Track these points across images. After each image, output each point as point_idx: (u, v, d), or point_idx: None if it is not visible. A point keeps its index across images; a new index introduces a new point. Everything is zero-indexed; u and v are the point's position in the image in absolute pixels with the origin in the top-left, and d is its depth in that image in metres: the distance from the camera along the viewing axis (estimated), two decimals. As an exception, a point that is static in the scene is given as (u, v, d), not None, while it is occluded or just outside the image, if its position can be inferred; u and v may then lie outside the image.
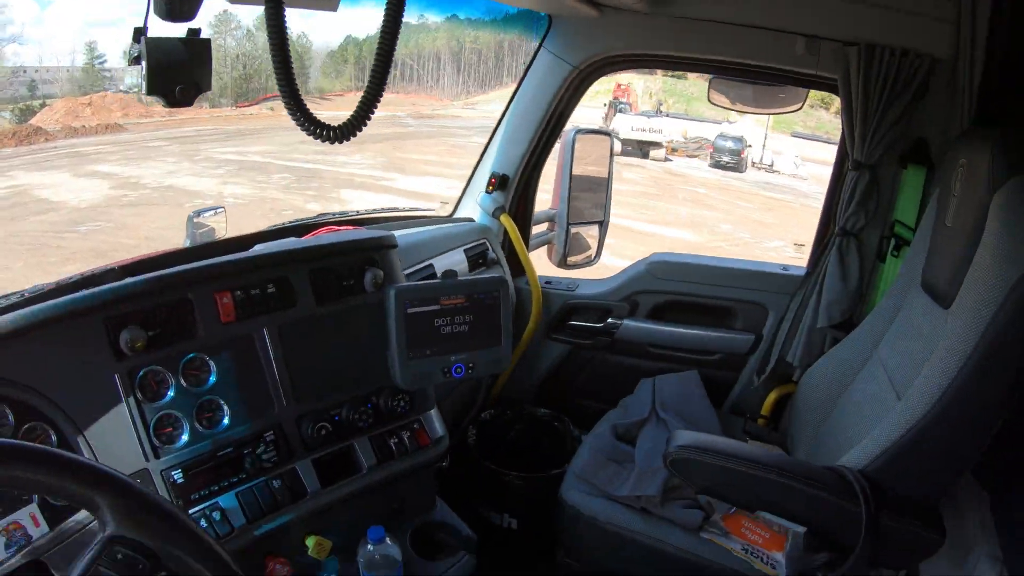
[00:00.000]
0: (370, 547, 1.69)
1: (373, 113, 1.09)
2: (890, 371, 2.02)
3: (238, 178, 19.48)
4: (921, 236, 2.16)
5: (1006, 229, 1.56)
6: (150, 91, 1.14)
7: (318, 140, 1.09)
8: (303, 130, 1.06)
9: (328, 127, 1.08)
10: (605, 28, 2.48)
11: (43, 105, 43.46)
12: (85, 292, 1.51)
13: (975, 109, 2.16)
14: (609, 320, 2.84)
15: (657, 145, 25.21)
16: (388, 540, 1.70)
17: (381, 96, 1.09)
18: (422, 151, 22.81)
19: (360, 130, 1.09)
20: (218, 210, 2.32)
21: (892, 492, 1.65)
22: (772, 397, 2.67)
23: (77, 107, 40.39)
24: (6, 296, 1.71)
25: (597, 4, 2.36)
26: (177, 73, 1.15)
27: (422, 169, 20.41)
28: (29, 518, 1.37)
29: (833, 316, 2.51)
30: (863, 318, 2.33)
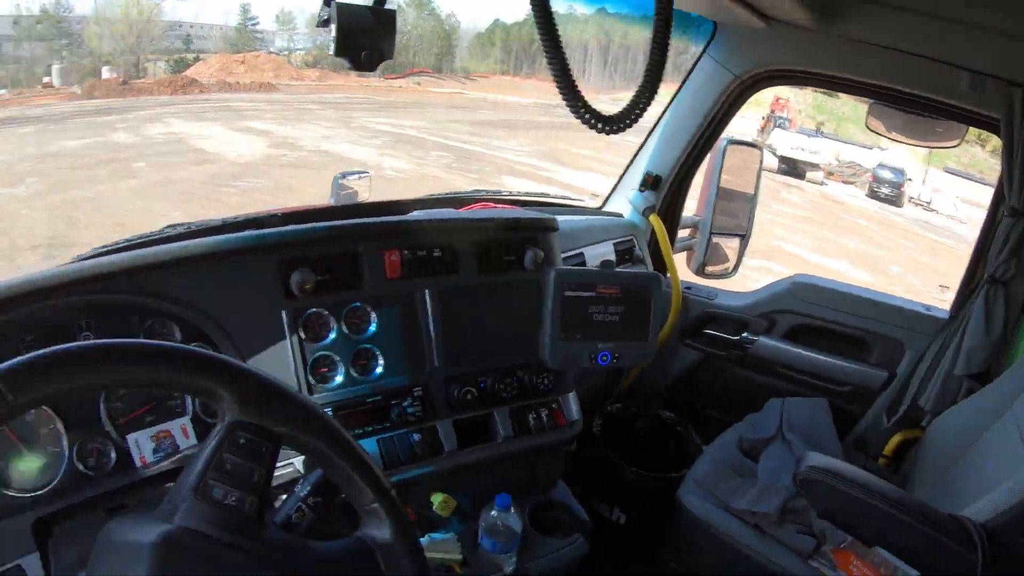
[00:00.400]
0: (494, 513, 1.75)
1: (647, 108, 1.09)
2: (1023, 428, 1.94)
3: (395, 151, 18.99)
4: None
5: None
6: (339, 52, 1.20)
7: (591, 128, 1.08)
8: (576, 116, 1.05)
9: (603, 118, 1.07)
10: (771, 40, 2.45)
11: (197, 59, 45.52)
12: (264, 231, 1.62)
13: None
14: (744, 334, 2.81)
15: (815, 167, 24.14)
16: (512, 510, 1.76)
17: (656, 91, 1.09)
18: (577, 144, 22.24)
19: (632, 125, 1.10)
20: (363, 174, 2.39)
21: (1014, 550, 1.60)
22: (897, 439, 2.59)
23: (231, 63, 42.00)
24: (172, 226, 1.85)
25: (765, 15, 2.32)
26: (364, 39, 1.20)
27: (581, 163, 19.94)
28: (179, 429, 1.50)
29: (973, 364, 2.41)
30: (1002, 370, 2.26)
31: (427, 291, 1.78)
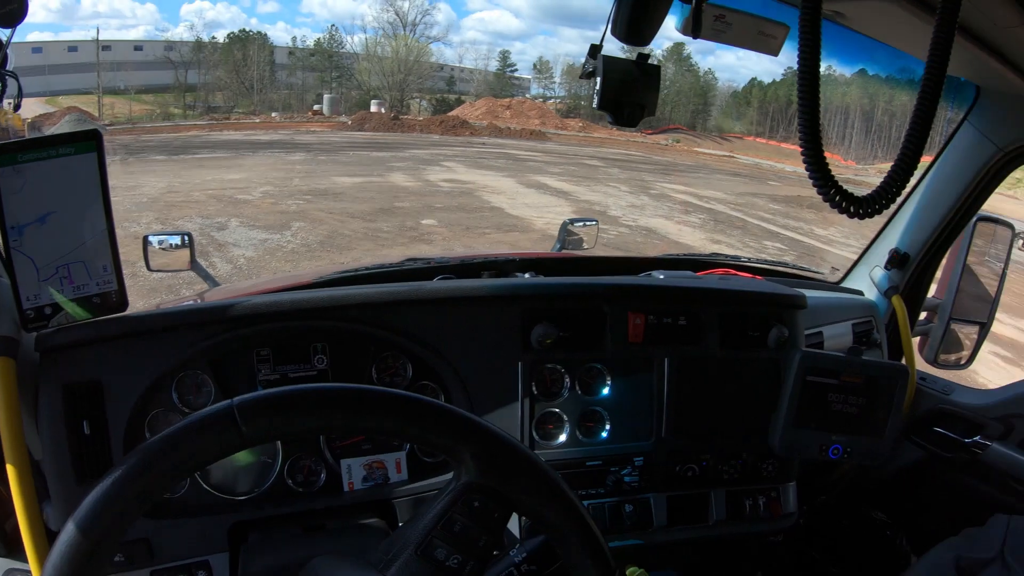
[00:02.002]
0: None
1: (903, 188, 1.01)
2: None
3: (722, 235, 16.48)
4: None
5: None
6: (601, 106, 1.21)
7: (839, 211, 1.00)
8: (822, 196, 0.99)
9: (854, 199, 1.00)
10: None
11: (459, 100, 48.77)
12: (512, 281, 1.70)
13: None
14: (978, 437, 2.49)
15: None
16: None
17: (915, 168, 1.00)
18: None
19: (886, 207, 1.01)
20: (591, 222, 2.42)
21: None
22: None
23: (497, 107, 44.38)
24: (412, 259, 1.94)
25: None
26: (627, 93, 1.22)
27: None
28: (393, 462, 1.55)
29: None
30: None
31: (667, 359, 1.75)
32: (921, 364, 2.60)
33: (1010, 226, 2.54)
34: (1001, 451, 2.42)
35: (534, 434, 1.65)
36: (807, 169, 0.97)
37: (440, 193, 17.62)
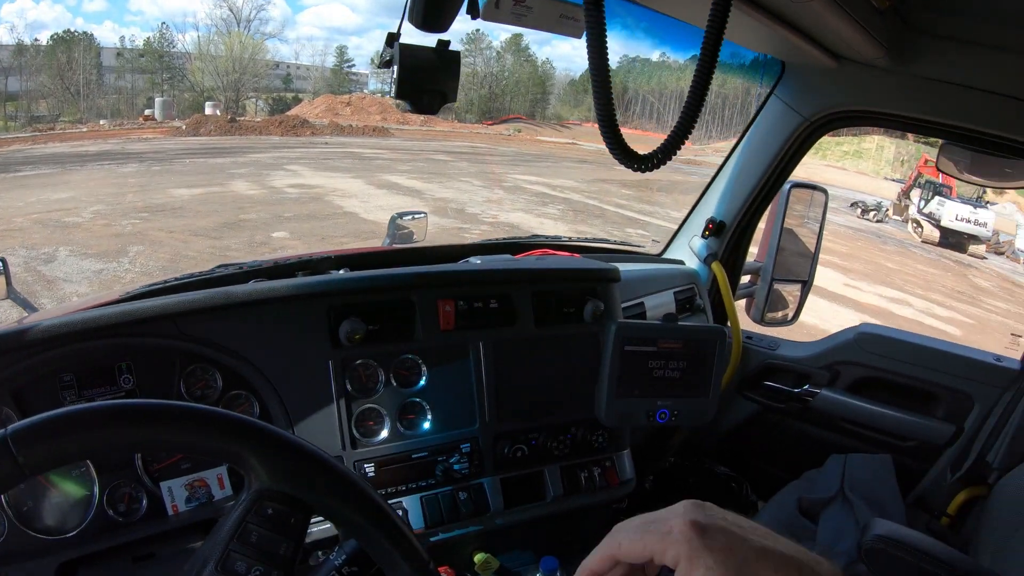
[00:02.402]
0: None
1: (679, 148, 1.06)
2: None
3: (587, 227, 16.36)
4: None
5: None
6: (399, 95, 1.20)
7: (627, 167, 1.06)
8: (615, 156, 1.04)
9: (635, 156, 1.05)
10: (841, 80, 2.36)
11: (295, 99, 47.34)
12: (315, 279, 1.61)
13: None
14: (806, 387, 2.71)
15: (977, 240, 22.51)
16: (559, 574, 1.64)
17: (690, 133, 1.07)
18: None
19: (664, 162, 1.06)
20: (419, 215, 2.41)
21: None
22: (961, 497, 2.45)
23: (336, 104, 43.29)
24: (224, 266, 1.84)
25: (835, 55, 2.25)
26: (426, 80, 1.21)
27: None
28: (215, 479, 1.49)
29: None
30: None
31: (481, 343, 1.74)
32: (749, 324, 2.78)
33: (824, 191, 2.74)
34: (830, 396, 2.64)
35: (354, 432, 1.60)
36: (602, 131, 1.03)
37: (288, 200, 16.65)
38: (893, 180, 27.75)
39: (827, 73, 2.35)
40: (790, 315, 2.80)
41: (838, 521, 2.19)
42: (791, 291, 2.78)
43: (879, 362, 2.62)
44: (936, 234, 22.21)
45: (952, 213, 22.16)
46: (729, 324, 2.67)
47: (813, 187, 2.71)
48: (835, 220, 23.47)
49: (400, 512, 1.59)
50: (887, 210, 25.55)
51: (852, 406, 2.65)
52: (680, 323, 1.80)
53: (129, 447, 0.90)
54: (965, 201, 22.62)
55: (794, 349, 2.78)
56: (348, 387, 1.60)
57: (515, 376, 1.78)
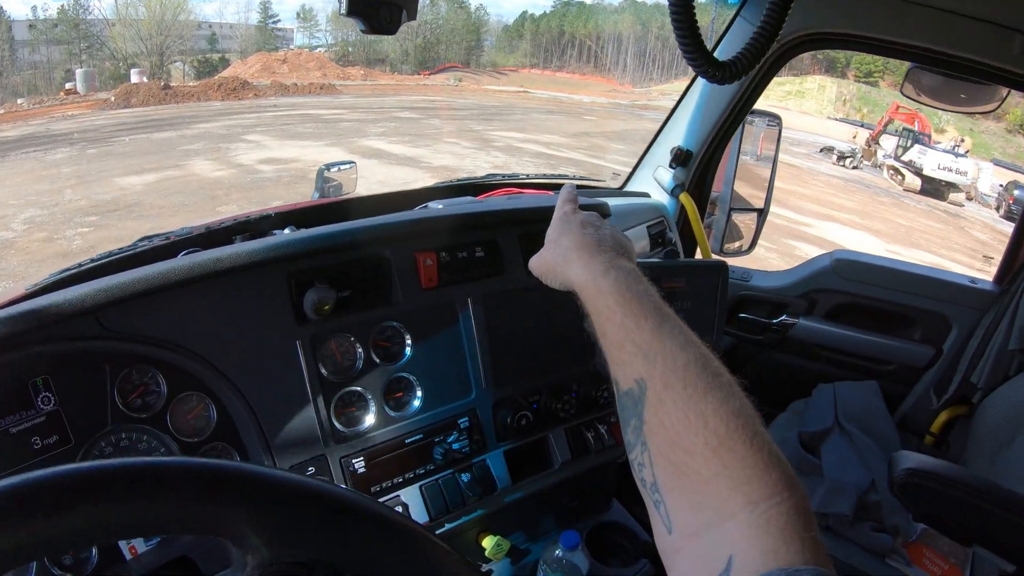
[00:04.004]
0: (559, 553, 1.53)
1: (758, 62, 1.02)
2: None
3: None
4: None
5: None
6: (350, 11, 0.97)
7: (706, 77, 1.00)
8: (696, 66, 0.98)
9: (717, 64, 0.99)
10: (812, 2, 2.28)
11: (223, 60, 45.93)
12: (265, 241, 1.33)
13: None
14: (783, 317, 2.68)
15: (955, 188, 23.24)
16: (580, 548, 1.53)
17: (768, 47, 1.04)
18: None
19: (745, 73, 1.01)
20: (346, 165, 2.21)
21: None
22: (944, 417, 2.50)
23: (272, 63, 42.08)
24: (148, 238, 1.56)
25: None
26: None
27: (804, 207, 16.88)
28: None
29: None
30: None
31: (469, 300, 1.55)
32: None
33: (778, 117, 2.64)
34: (808, 325, 2.63)
35: (336, 424, 1.37)
36: (683, 44, 0.95)
37: (267, 181, 14.18)
38: (837, 120, 28.06)
39: None
40: (746, 245, 2.72)
41: (840, 453, 2.19)
42: (747, 220, 2.70)
43: (855, 288, 2.60)
44: (918, 182, 23.00)
45: (935, 162, 23.02)
46: (700, 256, 2.59)
47: (768, 114, 2.61)
48: (816, 168, 24.11)
49: (400, 508, 1.39)
50: (861, 156, 26.05)
51: (831, 333, 2.63)
52: (685, 260, 1.67)
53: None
54: (949, 152, 23.41)
55: (768, 279, 2.74)
56: (322, 370, 1.36)
57: (510, 333, 1.60)
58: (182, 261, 1.23)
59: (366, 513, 0.59)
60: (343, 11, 0.97)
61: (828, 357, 2.65)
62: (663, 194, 2.56)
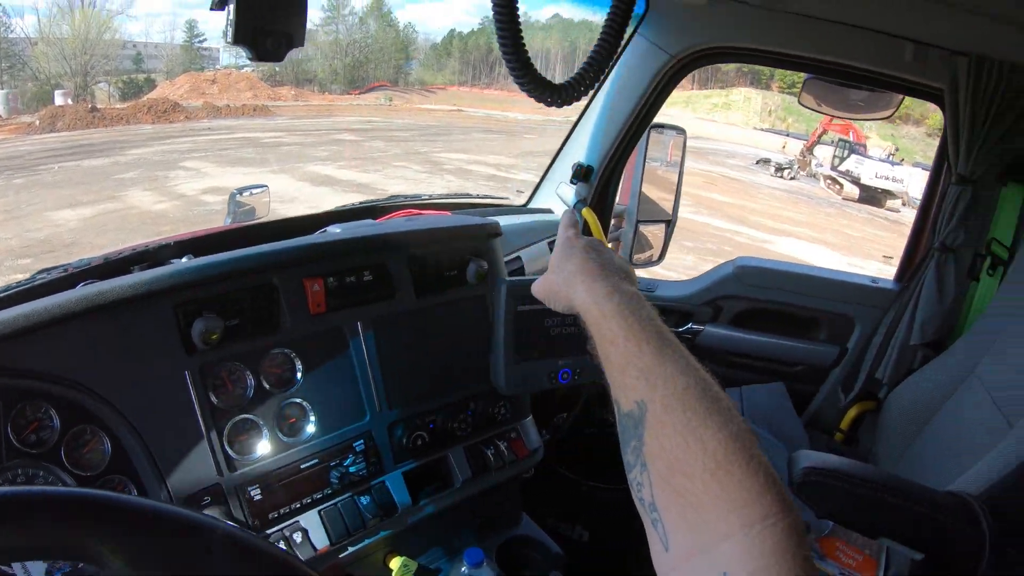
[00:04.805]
0: (465, 570, 1.53)
1: (598, 78, 1.03)
2: (996, 397, 1.98)
3: None
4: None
5: None
6: (236, 39, 0.98)
7: (539, 101, 0.99)
8: (528, 93, 0.97)
9: (554, 87, 0.99)
10: (707, 17, 2.35)
11: (148, 80, 44.78)
12: (154, 272, 1.34)
13: None
14: (690, 324, 2.75)
15: (892, 195, 23.87)
16: (485, 564, 1.54)
17: (602, 72, 1.03)
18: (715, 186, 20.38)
19: (582, 94, 1.02)
20: (258, 189, 2.24)
21: (1011, 520, 1.58)
22: (852, 413, 2.60)
23: (202, 83, 41.12)
24: (47, 271, 1.56)
25: None
26: (267, 21, 1.01)
27: (753, 221, 16.81)
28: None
29: (927, 334, 2.45)
30: (955, 337, 2.32)
31: (359, 324, 1.56)
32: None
33: (683, 130, 2.71)
34: (715, 332, 2.70)
35: (229, 452, 1.36)
36: (512, 70, 0.94)
37: (215, 214, 13.07)
38: (763, 130, 28.75)
39: (693, 10, 2.34)
40: (656, 255, 2.77)
41: None
42: (656, 231, 2.75)
43: (759, 293, 2.69)
44: (856, 191, 23.64)
45: (872, 171, 23.73)
46: None
47: (672, 127, 2.68)
48: (757, 180, 24.46)
49: (299, 533, 1.41)
50: (798, 167, 26.69)
51: (737, 339, 2.71)
52: None
53: None
54: (886, 161, 24.29)
55: (672, 288, 2.81)
56: (213, 399, 1.36)
57: (402, 355, 1.62)
58: (68, 296, 1.24)
59: (213, 534, 0.60)
60: (229, 39, 0.98)
61: (736, 362, 2.72)
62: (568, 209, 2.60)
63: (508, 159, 22.05)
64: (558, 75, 2.55)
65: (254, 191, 2.23)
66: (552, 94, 0.98)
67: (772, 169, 26.31)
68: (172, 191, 15.84)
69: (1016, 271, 2.19)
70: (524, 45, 0.94)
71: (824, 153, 25.79)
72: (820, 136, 26.85)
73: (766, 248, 14.28)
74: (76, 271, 1.52)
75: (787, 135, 27.14)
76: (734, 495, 0.64)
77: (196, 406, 1.33)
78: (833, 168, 24.66)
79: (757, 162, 27.11)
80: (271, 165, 19.17)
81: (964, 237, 2.40)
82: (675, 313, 2.76)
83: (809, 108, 2.63)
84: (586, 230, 2.51)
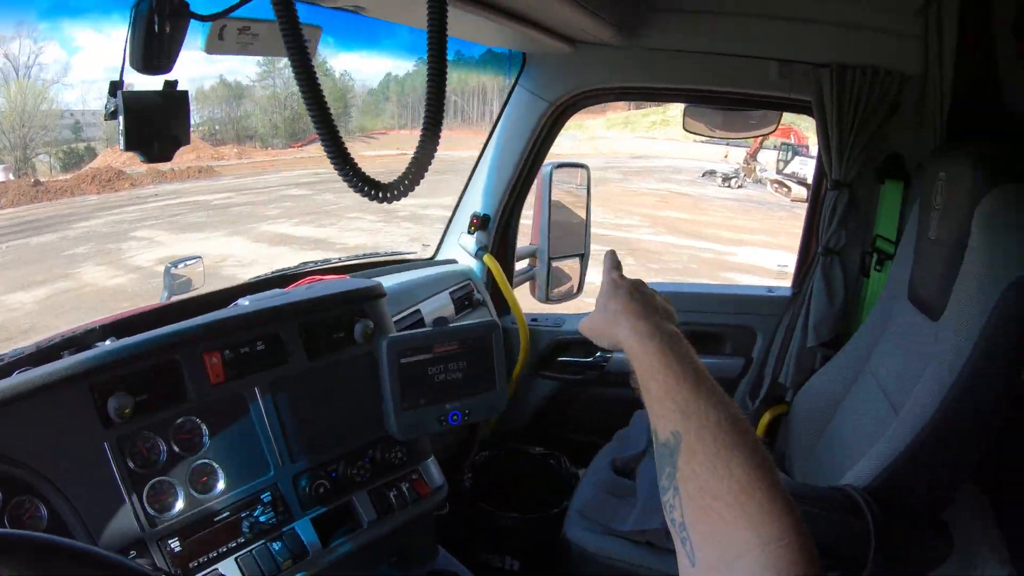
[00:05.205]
0: None
1: (427, 170, 1.05)
2: (884, 386, 2.04)
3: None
4: (904, 250, 2.18)
5: (991, 239, 1.59)
6: (128, 146, 1.13)
7: (369, 199, 1.03)
8: (353, 189, 1.01)
9: (378, 185, 1.02)
10: (579, 63, 2.51)
11: (88, 149, 43.63)
12: (69, 360, 1.49)
13: (946, 123, 2.19)
14: (599, 354, 2.84)
15: None
16: None
17: (435, 150, 1.05)
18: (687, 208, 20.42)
19: (413, 188, 1.05)
20: (195, 260, 2.33)
21: (898, 507, 1.65)
22: (766, 419, 2.66)
23: (143, 148, 40.69)
24: None
25: (570, 40, 2.39)
26: (155, 127, 1.15)
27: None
28: None
29: (822, 335, 2.52)
30: (851, 334, 2.36)
31: (256, 389, 1.68)
32: (539, 306, 2.88)
33: (585, 167, 2.87)
34: (621, 357, 2.72)
35: (150, 511, 1.49)
36: (330, 159, 0.99)
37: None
38: (703, 142, 29.13)
39: (565, 58, 2.48)
40: (575, 288, 2.91)
41: (653, 472, 2.26)
42: (572, 265, 2.89)
43: None
44: (804, 192, 23.51)
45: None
46: (513, 311, 2.75)
47: (574, 165, 2.84)
48: (706, 193, 24.35)
49: None
50: (744, 175, 26.90)
51: None
52: (456, 323, 1.82)
53: None
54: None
55: (578, 321, 2.85)
56: (131, 465, 1.50)
57: (299, 413, 1.74)
58: (3, 384, 1.39)
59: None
60: (122, 147, 1.13)
61: None
62: (471, 258, 2.72)
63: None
64: (496, 108, 2.71)
65: (188, 263, 2.31)
66: (377, 190, 1.03)
67: (719, 180, 26.33)
68: (126, 264, 15.19)
69: (897, 262, 2.24)
70: (347, 151, 1.01)
71: (767, 158, 25.89)
72: (762, 142, 27.14)
73: (728, 260, 14.34)
74: (11, 360, 1.64)
75: (727, 144, 27.40)
76: (755, 516, 0.72)
77: (116, 473, 1.46)
78: (779, 172, 24.74)
79: (703, 174, 27.13)
80: (224, 228, 18.64)
81: (846, 239, 2.49)
82: (584, 344, 2.84)
83: (698, 134, 2.77)
84: (490, 277, 2.62)
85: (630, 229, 17.01)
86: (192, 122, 1.23)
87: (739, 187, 26.07)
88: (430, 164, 1.05)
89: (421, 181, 1.05)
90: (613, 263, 1.18)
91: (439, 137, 1.04)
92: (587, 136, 34.53)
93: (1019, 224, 1.60)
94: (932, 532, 1.68)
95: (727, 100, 2.60)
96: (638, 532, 2.05)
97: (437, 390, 1.78)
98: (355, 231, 17.61)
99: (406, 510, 1.84)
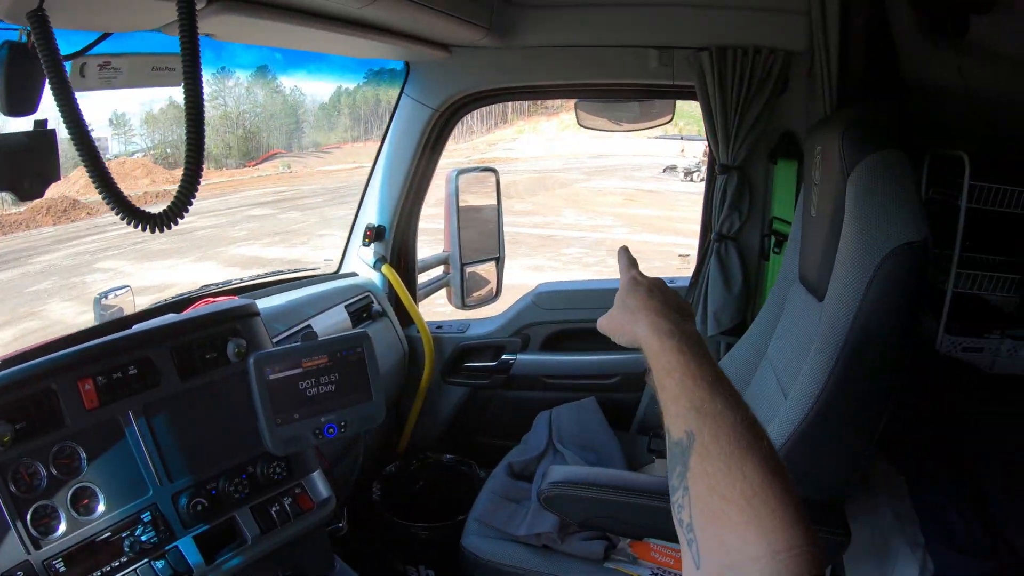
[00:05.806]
0: None
1: (193, 199, 1.06)
2: (777, 370, 2.03)
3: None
4: (794, 230, 2.17)
5: (864, 211, 1.55)
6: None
7: (140, 229, 1.05)
8: (123, 217, 1.02)
9: (151, 216, 1.04)
10: (459, 68, 2.52)
11: None
12: None
13: (835, 97, 2.19)
14: (503, 357, 2.84)
15: None
16: None
17: (199, 179, 1.07)
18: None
19: (183, 214, 1.05)
20: (124, 289, 2.36)
21: None
22: None
23: (97, 176, 40.07)
24: None
25: (446, 46, 2.41)
26: (23, 166, 1.17)
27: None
28: None
29: (722, 323, 2.53)
30: (755, 318, 2.34)
31: (129, 412, 1.70)
32: (456, 313, 2.89)
33: (494, 170, 2.88)
34: (526, 359, 2.80)
35: (34, 533, 1.54)
36: (102, 195, 1.00)
37: None
38: (657, 137, 29.34)
39: (445, 64, 2.49)
40: (493, 291, 2.93)
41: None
42: (488, 269, 2.90)
43: (561, 315, 2.80)
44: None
45: None
46: (415, 320, 2.76)
47: (482, 169, 2.85)
48: (671, 188, 24.51)
49: None
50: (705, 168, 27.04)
51: (549, 362, 2.81)
52: (326, 337, 1.83)
53: None
54: None
55: (483, 326, 2.91)
56: (12, 489, 1.54)
57: (175, 434, 1.76)
58: None
59: None
60: None
61: (552, 384, 2.79)
62: (371, 269, 2.73)
63: (425, 209, 21.66)
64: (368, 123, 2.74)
65: (118, 292, 2.35)
66: (151, 222, 1.04)
67: (681, 175, 26.61)
68: (92, 296, 14.69)
69: (790, 243, 2.21)
70: (116, 185, 1.01)
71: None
72: None
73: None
74: None
75: (681, 139, 27.59)
76: (766, 523, 0.71)
77: None
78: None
79: (664, 170, 27.26)
80: (192, 253, 18.32)
81: (740, 223, 2.49)
82: (489, 349, 2.86)
83: (595, 129, 2.74)
84: (390, 287, 2.62)
85: (607, 230, 16.98)
86: (144, 146, 1.25)
87: (701, 180, 26.16)
88: (195, 193, 1.07)
89: (187, 208, 1.06)
90: (630, 261, 1.19)
91: (202, 167, 1.08)
92: (544, 139, 34.72)
93: (890, 193, 1.56)
94: (829, 523, 1.67)
95: (614, 92, 2.62)
96: (533, 536, 2.05)
97: (310, 404, 1.79)
98: (327, 248, 17.48)
99: (289, 524, 1.85)
